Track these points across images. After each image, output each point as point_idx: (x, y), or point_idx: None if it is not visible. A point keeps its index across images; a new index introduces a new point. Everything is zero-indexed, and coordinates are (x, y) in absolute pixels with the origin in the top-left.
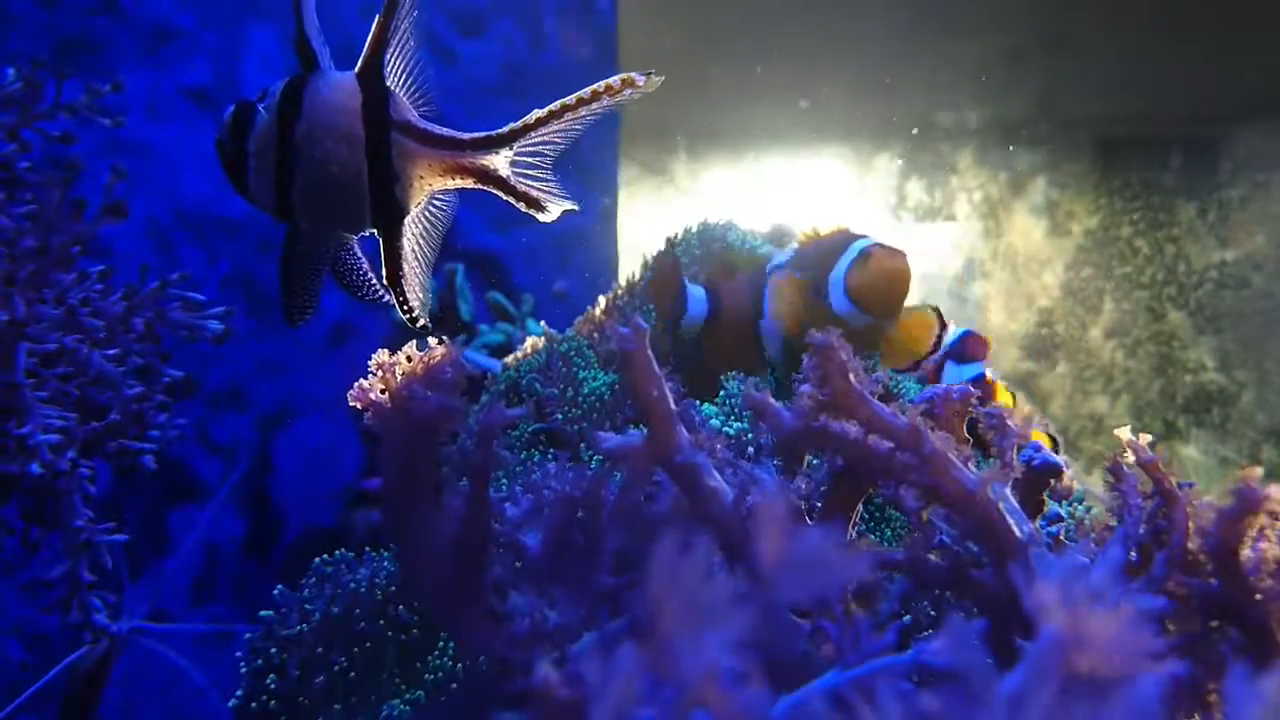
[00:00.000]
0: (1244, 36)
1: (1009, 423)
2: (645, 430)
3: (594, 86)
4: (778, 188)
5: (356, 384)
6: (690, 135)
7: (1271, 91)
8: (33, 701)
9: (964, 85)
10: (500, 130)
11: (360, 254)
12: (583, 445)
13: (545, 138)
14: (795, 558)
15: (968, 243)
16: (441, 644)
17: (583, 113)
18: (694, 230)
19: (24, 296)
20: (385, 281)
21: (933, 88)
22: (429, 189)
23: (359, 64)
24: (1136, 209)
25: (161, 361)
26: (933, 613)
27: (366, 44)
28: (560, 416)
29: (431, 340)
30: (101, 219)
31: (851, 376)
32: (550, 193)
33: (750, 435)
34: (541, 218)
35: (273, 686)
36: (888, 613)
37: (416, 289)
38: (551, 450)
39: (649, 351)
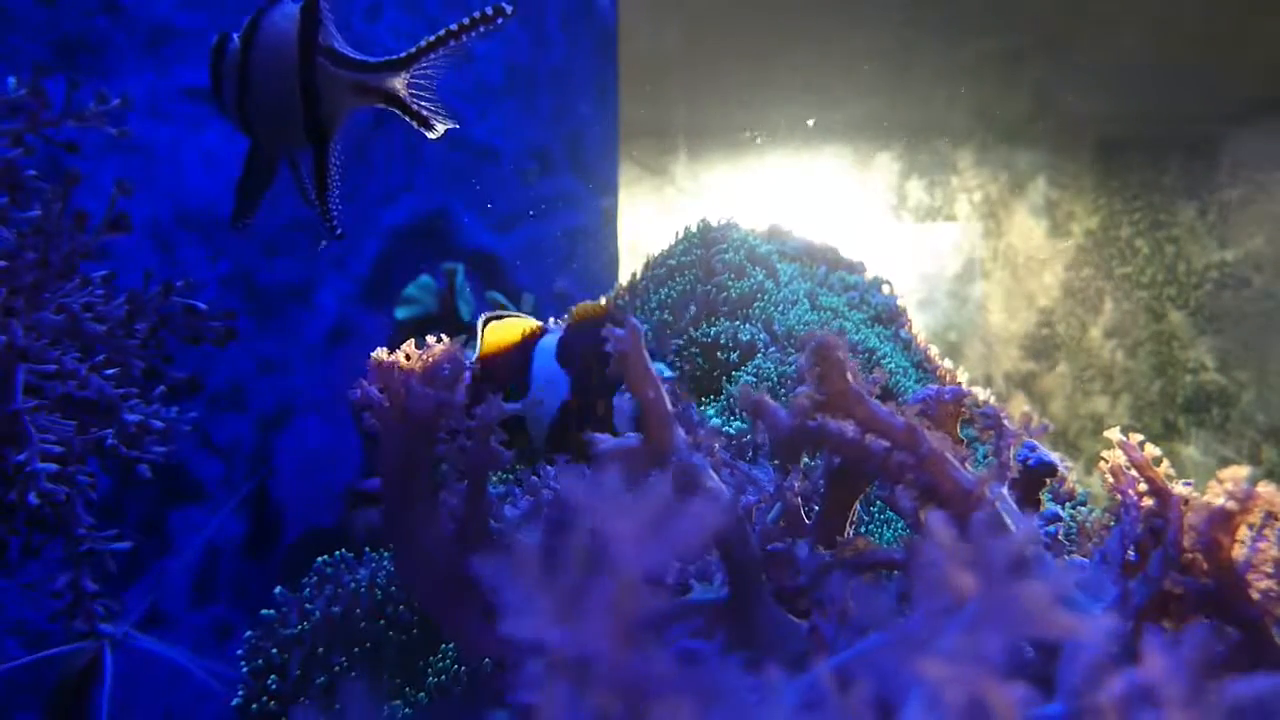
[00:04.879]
0: (1243, 36)
1: (1006, 423)
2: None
3: (470, 15)
4: (778, 188)
5: (356, 382)
6: (690, 135)
7: (1271, 91)
8: (30, 700)
9: (964, 85)
10: (398, 56)
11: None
12: None
13: (435, 63)
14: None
15: (968, 243)
16: (442, 644)
17: (463, 39)
18: (694, 230)
19: (23, 321)
20: (314, 193)
21: (933, 87)
22: (347, 107)
23: None
24: (1136, 209)
25: (165, 363)
26: None
27: None
28: None
29: (430, 338)
30: (104, 232)
31: (849, 376)
32: (437, 113)
33: (750, 436)
34: (430, 135)
35: (273, 686)
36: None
37: (338, 202)
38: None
39: (644, 352)
